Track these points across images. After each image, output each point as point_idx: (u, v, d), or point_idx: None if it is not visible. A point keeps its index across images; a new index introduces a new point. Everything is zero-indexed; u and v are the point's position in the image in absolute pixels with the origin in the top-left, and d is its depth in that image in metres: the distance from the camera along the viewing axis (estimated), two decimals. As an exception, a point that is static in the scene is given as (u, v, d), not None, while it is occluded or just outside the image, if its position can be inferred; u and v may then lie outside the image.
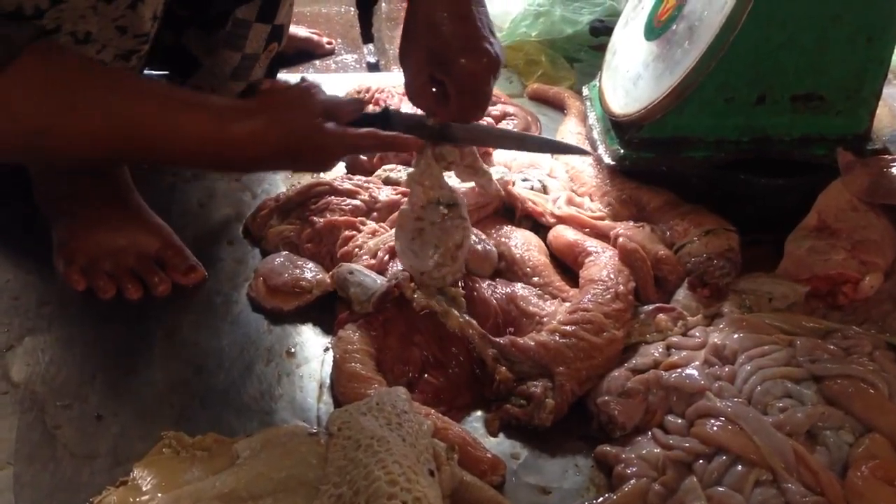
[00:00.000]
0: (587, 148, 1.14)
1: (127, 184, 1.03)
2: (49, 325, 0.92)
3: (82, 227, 0.97)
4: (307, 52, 1.55)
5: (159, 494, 0.72)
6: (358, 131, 0.87)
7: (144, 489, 0.73)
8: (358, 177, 1.14)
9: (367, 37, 1.66)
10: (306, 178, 1.15)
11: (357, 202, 1.07)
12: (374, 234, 1.02)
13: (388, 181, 1.13)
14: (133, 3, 0.81)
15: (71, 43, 0.79)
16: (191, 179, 1.17)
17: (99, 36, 0.81)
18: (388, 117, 0.91)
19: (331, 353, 0.90)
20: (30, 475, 0.77)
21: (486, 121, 1.20)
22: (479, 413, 0.87)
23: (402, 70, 0.92)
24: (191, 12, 1.05)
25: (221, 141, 0.80)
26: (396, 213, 0.98)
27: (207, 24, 1.06)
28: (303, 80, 0.90)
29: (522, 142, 1.06)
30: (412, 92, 0.92)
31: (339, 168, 1.22)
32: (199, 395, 0.87)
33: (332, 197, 1.08)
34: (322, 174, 1.13)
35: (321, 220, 1.04)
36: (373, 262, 0.97)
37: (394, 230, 0.96)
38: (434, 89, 0.90)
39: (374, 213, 1.07)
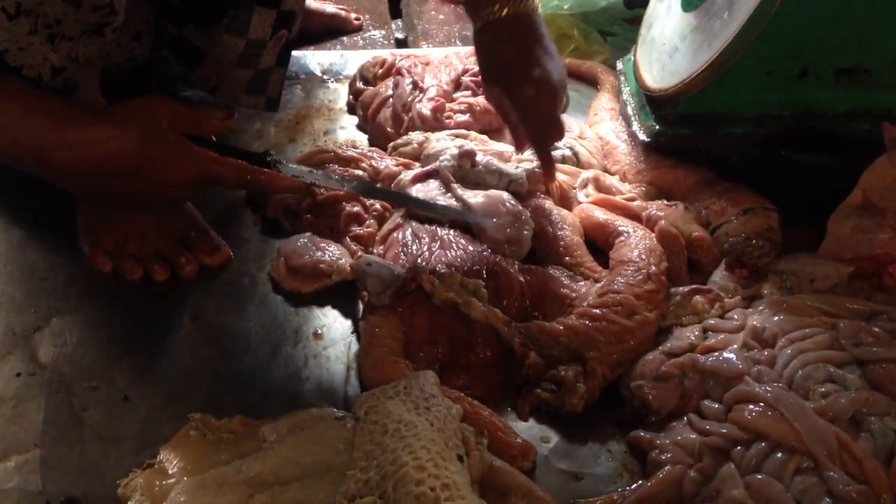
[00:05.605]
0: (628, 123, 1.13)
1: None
2: (76, 306, 0.92)
3: (107, 208, 0.97)
4: (334, 29, 1.54)
5: (185, 477, 0.71)
6: (222, 157, 0.87)
7: (171, 472, 0.73)
8: (363, 146, 1.13)
9: (395, 12, 1.64)
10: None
11: (359, 173, 1.06)
12: (381, 218, 1.01)
13: (393, 149, 1.12)
14: None
15: (4, 20, 0.78)
16: (217, 159, 1.16)
17: (40, 9, 0.80)
18: (265, 161, 0.93)
19: (358, 336, 0.89)
20: (57, 457, 0.77)
21: None
22: (509, 397, 0.85)
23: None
24: (186, 6, 1.04)
25: (57, 140, 0.81)
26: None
27: (204, 18, 1.04)
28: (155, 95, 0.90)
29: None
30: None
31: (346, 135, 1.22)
32: (225, 377, 0.86)
33: (336, 165, 1.06)
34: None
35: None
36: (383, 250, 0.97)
37: (396, 213, 0.99)
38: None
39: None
